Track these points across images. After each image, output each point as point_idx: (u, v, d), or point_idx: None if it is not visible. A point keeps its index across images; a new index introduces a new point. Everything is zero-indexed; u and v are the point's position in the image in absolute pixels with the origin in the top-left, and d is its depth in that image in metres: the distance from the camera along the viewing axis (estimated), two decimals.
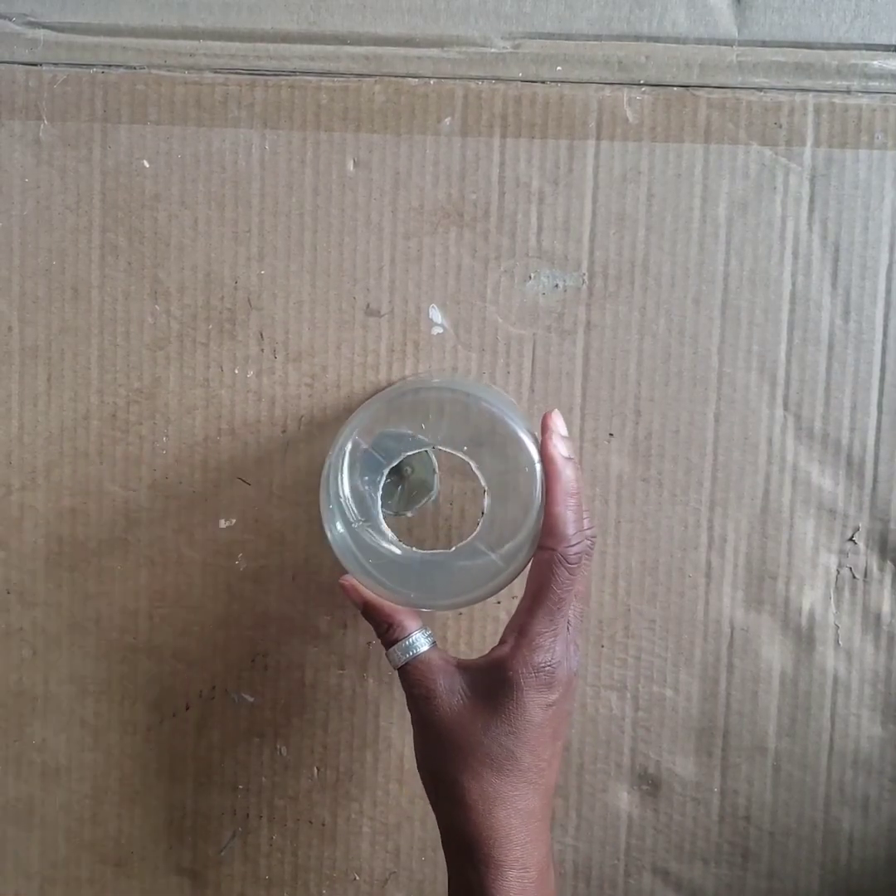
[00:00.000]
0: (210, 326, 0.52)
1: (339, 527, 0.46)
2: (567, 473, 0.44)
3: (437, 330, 0.52)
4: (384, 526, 0.46)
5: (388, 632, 0.46)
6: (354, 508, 0.46)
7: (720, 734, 0.53)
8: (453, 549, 0.46)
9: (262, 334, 0.52)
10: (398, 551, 0.46)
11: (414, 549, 0.46)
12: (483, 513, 0.46)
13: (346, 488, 0.46)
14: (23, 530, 0.53)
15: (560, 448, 0.45)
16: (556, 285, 0.52)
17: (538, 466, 0.45)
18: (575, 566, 0.44)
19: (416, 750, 0.46)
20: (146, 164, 0.52)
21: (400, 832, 0.54)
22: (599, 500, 0.53)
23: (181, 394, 0.53)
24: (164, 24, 0.51)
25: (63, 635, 0.54)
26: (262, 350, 0.52)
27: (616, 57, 0.51)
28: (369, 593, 0.46)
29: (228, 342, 0.52)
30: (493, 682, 0.44)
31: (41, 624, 0.54)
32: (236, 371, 0.52)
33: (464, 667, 0.45)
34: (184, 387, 0.53)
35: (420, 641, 0.46)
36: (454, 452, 0.46)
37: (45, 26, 0.51)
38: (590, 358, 0.52)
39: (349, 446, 0.46)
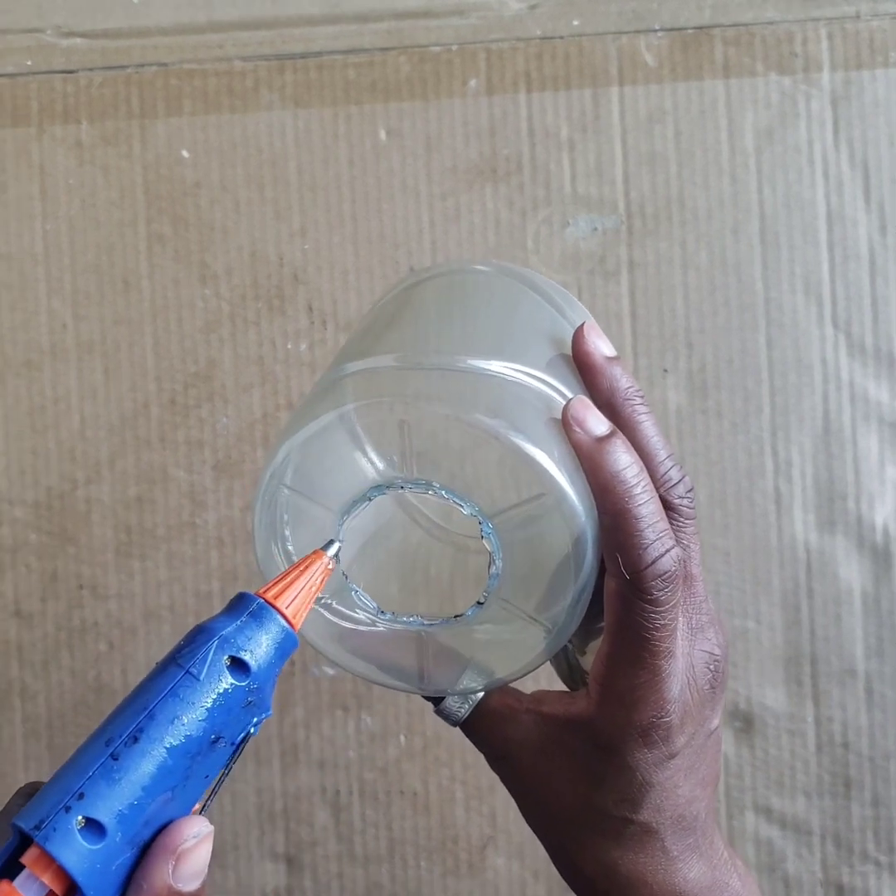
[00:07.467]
0: (259, 304, 0.53)
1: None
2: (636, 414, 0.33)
3: None
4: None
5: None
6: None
7: (808, 661, 0.52)
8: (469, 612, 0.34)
9: (310, 307, 0.53)
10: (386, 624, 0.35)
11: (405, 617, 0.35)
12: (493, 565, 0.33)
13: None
14: (91, 524, 0.53)
15: (600, 347, 0.34)
16: (595, 228, 0.53)
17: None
18: (661, 594, 0.30)
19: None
20: (185, 153, 0.53)
21: (494, 794, 0.53)
22: None
23: (237, 373, 0.53)
24: (192, 20, 0.53)
25: (138, 626, 0.54)
26: (312, 323, 0.53)
27: (629, 7, 0.53)
28: None
29: (279, 318, 0.53)
30: (584, 744, 0.33)
31: (116, 616, 0.54)
32: (289, 346, 0.53)
33: (540, 713, 0.34)
34: (239, 366, 0.53)
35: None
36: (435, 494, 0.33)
37: (78, 35, 0.53)
38: (636, 296, 0.53)
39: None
